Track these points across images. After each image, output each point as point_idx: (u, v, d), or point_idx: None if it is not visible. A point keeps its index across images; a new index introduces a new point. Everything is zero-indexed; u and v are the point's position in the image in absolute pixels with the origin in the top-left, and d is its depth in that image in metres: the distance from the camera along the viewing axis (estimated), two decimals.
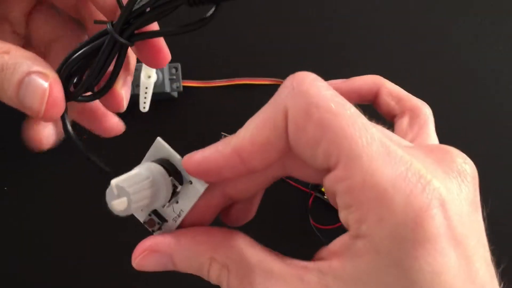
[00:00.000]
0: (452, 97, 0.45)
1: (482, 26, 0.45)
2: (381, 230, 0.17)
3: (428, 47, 0.45)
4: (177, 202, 0.23)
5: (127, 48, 0.23)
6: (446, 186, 0.18)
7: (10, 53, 0.22)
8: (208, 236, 0.22)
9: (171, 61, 0.42)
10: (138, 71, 0.40)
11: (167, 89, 0.41)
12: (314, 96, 0.19)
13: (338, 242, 0.20)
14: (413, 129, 0.28)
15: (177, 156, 0.24)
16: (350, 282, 0.18)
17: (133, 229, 0.45)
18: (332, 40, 0.45)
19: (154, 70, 0.39)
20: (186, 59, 0.43)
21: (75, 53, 0.23)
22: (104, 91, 0.25)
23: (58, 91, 0.22)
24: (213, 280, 0.22)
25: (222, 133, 0.44)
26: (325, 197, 0.44)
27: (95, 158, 0.24)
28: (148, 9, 0.23)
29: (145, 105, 0.39)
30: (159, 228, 0.24)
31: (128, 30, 0.22)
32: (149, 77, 0.39)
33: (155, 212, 0.24)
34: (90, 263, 0.44)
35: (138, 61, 0.40)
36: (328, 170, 0.19)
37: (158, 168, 0.23)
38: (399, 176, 0.17)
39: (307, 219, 0.44)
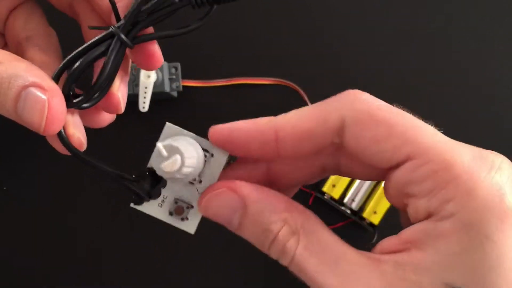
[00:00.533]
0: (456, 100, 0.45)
1: (481, 25, 0.45)
2: (470, 205, 0.18)
3: (428, 46, 0.45)
4: (200, 182, 0.23)
5: (125, 48, 0.23)
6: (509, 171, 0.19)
7: (3, 64, 0.20)
8: (285, 198, 0.21)
9: (171, 61, 0.42)
10: (137, 70, 0.40)
11: (167, 88, 0.41)
12: (375, 102, 0.20)
13: (413, 231, 0.19)
14: None
15: (192, 134, 0.24)
16: (435, 269, 0.18)
17: (136, 230, 0.45)
18: (333, 40, 0.45)
19: (153, 70, 0.39)
20: (186, 58, 0.43)
21: (77, 58, 0.22)
22: (102, 94, 0.23)
23: (58, 103, 0.21)
24: (278, 247, 0.20)
25: None
26: (325, 197, 0.43)
27: (102, 164, 0.22)
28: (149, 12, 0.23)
29: (144, 104, 0.39)
30: (186, 217, 0.23)
31: (133, 31, 0.22)
32: (149, 76, 0.39)
33: (176, 201, 0.23)
34: (90, 262, 0.44)
35: None
36: (396, 165, 0.19)
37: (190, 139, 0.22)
38: (476, 157, 0.19)
39: None
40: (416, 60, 0.45)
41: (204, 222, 0.23)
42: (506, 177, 0.18)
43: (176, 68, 0.42)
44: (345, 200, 0.43)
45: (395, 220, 0.46)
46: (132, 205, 0.23)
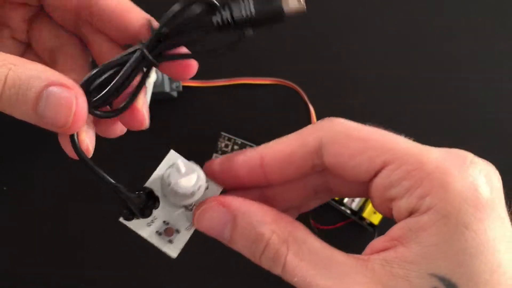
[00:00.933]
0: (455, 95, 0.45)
1: (481, 25, 0.45)
2: (446, 197, 0.19)
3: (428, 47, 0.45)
4: (190, 210, 0.24)
5: (152, 67, 0.23)
6: (485, 167, 0.20)
7: (18, 66, 0.20)
8: (273, 210, 0.22)
9: None
10: None
11: (167, 88, 0.41)
12: (350, 124, 0.22)
13: (397, 228, 0.20)
14: None
15: (193, 164, 0.24)
16: (419, 262, 0.19)
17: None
18: (333, 40, 0.45)
19: (153, 70, 0.39)
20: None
21: (105, 71, 0.22)
22: (126, 106, 0.24)
23: (83, 102, 0.21)
24: (269, 255, 0.21)
25: (222, 133, 0.44)
26: None
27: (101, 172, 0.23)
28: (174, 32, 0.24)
29: None
30: (172, 240, 0.24)
31: (156, 49, 0.23)
32: (149, 76, 0.39)
33: (165, 222, 0.24)
34: (90, 262, 0.44)
35: None
36: (375, 174, 0.21)
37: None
38: (447, 155, 0.20)
39: (307, 219, 0.44)
40: (416, 60, 0.45)
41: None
42: (478, 170, 0.19)
43: None
44: (345, 200, 0.43)
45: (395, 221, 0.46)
46: (121, 219, 0.24)
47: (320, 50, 0.45)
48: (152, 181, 0.24)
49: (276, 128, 0.44)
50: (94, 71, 0.22)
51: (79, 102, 0.21)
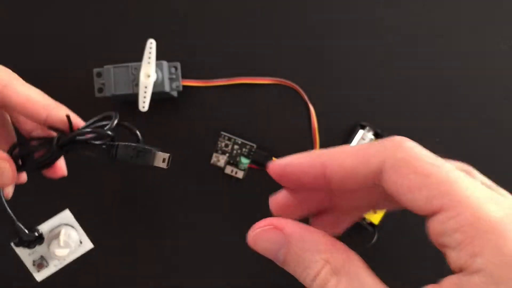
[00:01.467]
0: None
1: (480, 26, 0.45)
2: (498, 260, 0.18)
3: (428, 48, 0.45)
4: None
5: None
6: None
7: None
8: (327, 237, 0.22)
9: (171, 61, 0.42)
10: (137, 70, 0.40)
11: (167, 88, 0.41)
12: (416, 151, 0.21)
13: (449, 284, 0.20)
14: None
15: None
16: None
17: (137, 229, 0.45)
18: (333, 40, 0.45)
19: (153, 69, 0.39)
20: (186, 58, 0.43)
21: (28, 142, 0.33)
22: (44, 168, 0.33)
23: (14, 170, 0.30)
24: (319, 284, 0.21)
25: (222, 132, 0.44)
26: None
27: None
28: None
29: (144, 104, 0.39)
30: (41, 270, 0.36)
31: (66, 145, 0.32)
32: (149, 76, 0.39)
33: (41, 257, 0.36)
34: (91, 261, 0.44)
35: (137, 60, 0.40)
36: (431, 213, 0.20)
37: None
38: (507, 214, 0.19)
39: (307, 218, 0.44)
40: (416, 60, 0.45)
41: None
42: None
43: (176, 68, 0.41)
44: None
45: (395, 220, 0.46)
46: (12, 244, 0.33)
47: (320, 50, 0.45)
48: (46, 226, 0.35)
49: (276, 128, 0.44)
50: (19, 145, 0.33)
51: (12, 170, 0.30)
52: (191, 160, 0.44)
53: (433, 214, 0.20)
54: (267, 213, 0.46)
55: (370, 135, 0.44)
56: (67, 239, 0.33)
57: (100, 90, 0.41)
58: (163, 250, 0.44)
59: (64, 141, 0.31)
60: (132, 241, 0.42)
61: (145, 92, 0.39)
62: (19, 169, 0.31)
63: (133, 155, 0.32)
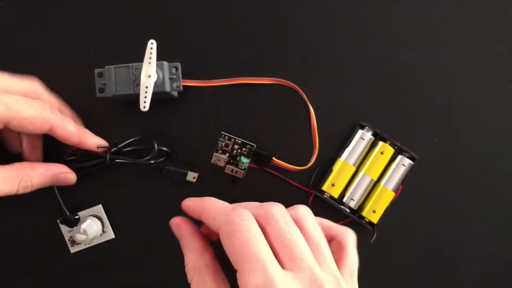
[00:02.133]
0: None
1: (480, 25, 0.46)
2: None
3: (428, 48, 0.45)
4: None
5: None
6: None
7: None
8: (203, 243, 0.34)
9: (171, 61, 0.42)
10: (138, 70, 0.40)
11: (167, 88, 0.41)
12: (237, 225, 0.30)
13: None
14: (338, 251, 0.35)
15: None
16: None
17: (138, 230, 0.45)
18: (333, 40, 0.45)
19: (154, 69, 0.39)
20: (186, 58, 0.43)
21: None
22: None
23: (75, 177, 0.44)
24: (188, 275, 0.33)
25: (222, 132, 0.44)
26: (324, 196, 0.44)
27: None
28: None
29: (145, 104, 0.39)
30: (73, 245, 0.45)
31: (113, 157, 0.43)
32: (149, 76, 0.39)
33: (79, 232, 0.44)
34: (91, 261, 0.44)
35: (138, 60, 0.40)
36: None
37: None
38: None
39: None
40: (416, 60, 0.45)
41: None
42: None
43: (176, 68, 0.42)
44: (344, 199, 0.44)
45: (394, 219, 0.46)
46: (58, 221, 0.44)
47: (320, 50, 0.45)
48: (83, 212, 0.44)
49: (276, 128, 0.45)
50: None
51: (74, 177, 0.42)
52: (192, 159, 0.44)
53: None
54: None
55: (369, 135, 0.44)
56: (86, 228, 0.42)
57: (101, 90, 0.41)
58: (164, 248, 0.44)
59: (113, 158, 0.42)
60: (148, 236, 0.45)
61: (146, 92, 0.39)
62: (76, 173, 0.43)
63: (173, 173, 0.43)
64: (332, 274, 0.30)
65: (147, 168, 0.43)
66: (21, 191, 0.39)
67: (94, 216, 0.44)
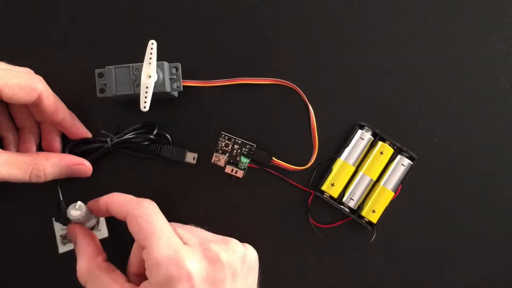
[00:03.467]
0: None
1: (480, 26, 0.46)
2: (154, 282, 0.33)
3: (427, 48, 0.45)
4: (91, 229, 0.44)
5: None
6: (196, 268, 0.33)
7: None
8: (92, 247, 0.39)
9: (172, 61, 0.42)
10: (138, 70, 0.40)
11: (168, 88, 0.41)
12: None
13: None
14: None
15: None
16: None
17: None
18: (333, 40, 0.45)
19: (154, 70, 0.39)
20: (186, 59, 0.44)
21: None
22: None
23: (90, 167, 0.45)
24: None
25: (222, 132, 0.44)
26: (324, 196, 0.44)
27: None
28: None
29: (145, 104, 0.39)
30: (67, 242, 0.44)
31: (115, 143, 0.43)
32: (150, 76, 0.39)
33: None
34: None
35: (138, 60, 0.40)
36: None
37: None
38: (168, 255, 0.33)
39: (306, 217, 0.44)
40: (416, 60, 0.45)
41: None
42: (180, 272, 0.33)
43: (176, 69, 0.42)
44: (344, 199, 0.44)
45: (394, 219, 0.46)
46: (53, 219, 0.43)
47: (320, 50, 0.45)
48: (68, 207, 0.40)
49: (276, 128, 0.45)
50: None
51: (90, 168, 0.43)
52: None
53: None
54: (267, 211, 0.46)
55: (368, 135, 0.44)
56: (83, 205, 0.40)
57: (102, 90, 0.41)
58: None
59: (116, 142, 0.43)
60: None
61: (146, 92, 0.39)
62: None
63: (170, 153, 0.43)
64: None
65: (147, 162, 0.44)
66: (34, 180, 0.39)
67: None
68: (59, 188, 0.42)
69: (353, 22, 0.45)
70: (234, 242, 0.37)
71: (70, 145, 0.43)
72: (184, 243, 0.35)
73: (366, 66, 0.45)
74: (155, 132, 0.43)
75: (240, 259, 0.36)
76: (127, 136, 0.43)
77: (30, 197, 0.44)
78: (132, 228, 0.35)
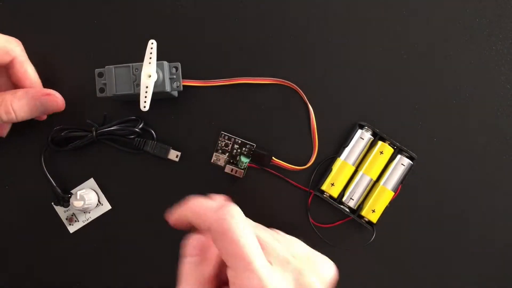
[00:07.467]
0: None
1: (478, 25, 0.46)
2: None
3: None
4: (85, 212, 0.45)
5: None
6: None
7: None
8: None
9: (172, 61, 0.42)
10: (138, 70, 0.40)
11: (168, 88, 0.41)
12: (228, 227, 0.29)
13: None
14: None
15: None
16: None
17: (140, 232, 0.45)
18: (333, 40, 0.45)
19: (154, 69, 0.39)
20: (186, 58, 0.44)
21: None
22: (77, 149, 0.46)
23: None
24: None
25: (222, 132, 0.44)
26: (324, 196, 0.44)
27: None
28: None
29: (145, 104, 0.39)
30: (73, 224, 0.45)
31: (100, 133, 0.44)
32: (149, 76, 0.39)
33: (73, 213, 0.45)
34: (91, 261, 0.45)
35: (138, 60, 0.40)
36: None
37: None
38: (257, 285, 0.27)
39: (306, 217, 0.44)
40: (416, 60, 0.45)
41: None
42: None
43: (176, 68, 0.42)
44: (344, 198, 0.44)
45: (394, 219, 0.46)
46: (53, 203, 0.44)
47: (320, 50, 0.45)
48: (77, 189, 0.44)
49: (276, 128, 0.45)
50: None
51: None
52: (192, 159, 0.44)
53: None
54: (267, 210, 0.46)
55: (368, 134, 0.44)
56: (83, 194, 0.42)
57: (102, 90, 0.41)
58: (164, 244, 0.44)
59: (101, 132, 0.43)
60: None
61: (146, 92, 0.39)
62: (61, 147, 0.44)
63: (154, 148, 0.44)
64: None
65: (132, 146, 0.44)
66: (5, 118, 0.38)
67: (89, 188, 0.44)
68: (47, 173, 0.43)
69: (353, 22, 0.45)
70: (327, 267, 0.34)
71: (54, 130, 0.43)
72: (271, 263, 0.29)
73: (366, 66, 0.45)
74: (140, 125, 0.43)
75: (326, 284, 0.32)
76: (112, 127, 0.43)
77: (27, 192, 0.44)
78: (216, 245, 0.29)
